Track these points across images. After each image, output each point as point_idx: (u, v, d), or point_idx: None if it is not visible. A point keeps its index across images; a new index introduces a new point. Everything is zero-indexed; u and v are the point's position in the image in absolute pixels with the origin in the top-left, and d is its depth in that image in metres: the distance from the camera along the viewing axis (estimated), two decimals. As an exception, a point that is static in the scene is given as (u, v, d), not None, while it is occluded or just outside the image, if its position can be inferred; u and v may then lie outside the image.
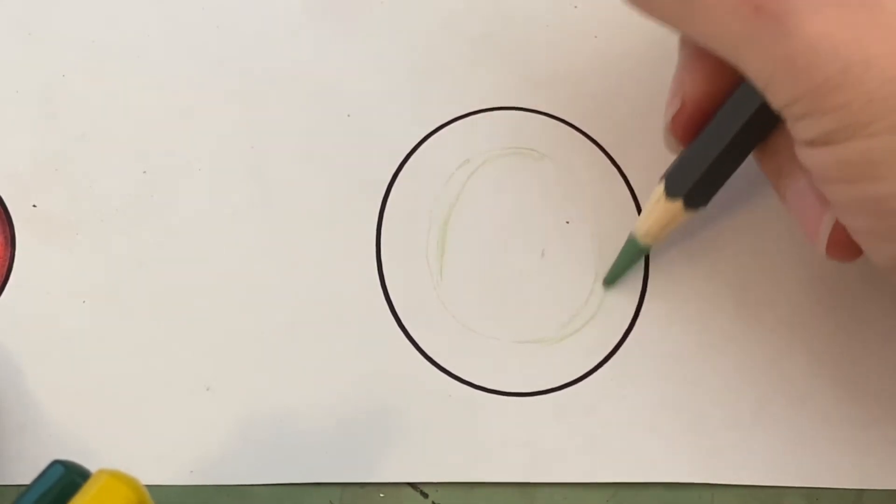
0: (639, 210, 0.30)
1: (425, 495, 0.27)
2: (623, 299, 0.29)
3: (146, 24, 0.32)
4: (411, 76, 0.32)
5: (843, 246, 0.23)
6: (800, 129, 0.21)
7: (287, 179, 0.30)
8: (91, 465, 0.26)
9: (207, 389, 0.28)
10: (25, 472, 0.26)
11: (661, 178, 0.27)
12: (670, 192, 0.26)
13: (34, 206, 0.29)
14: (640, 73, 0.32)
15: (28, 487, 0.19)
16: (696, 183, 0.26)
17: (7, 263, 0.29)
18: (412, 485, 0.27)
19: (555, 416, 0.28)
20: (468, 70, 0.32)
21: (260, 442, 0.27)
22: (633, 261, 0.29)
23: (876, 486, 0.27)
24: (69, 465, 0.20)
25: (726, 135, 0.25)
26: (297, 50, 0.32)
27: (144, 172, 0.30)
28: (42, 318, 0.28)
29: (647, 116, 0.31)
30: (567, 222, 0.30)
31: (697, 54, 0.25)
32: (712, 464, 0.27)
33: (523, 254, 0.29)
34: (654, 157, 0.31)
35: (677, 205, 0.26)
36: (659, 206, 0.27)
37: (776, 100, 0.21)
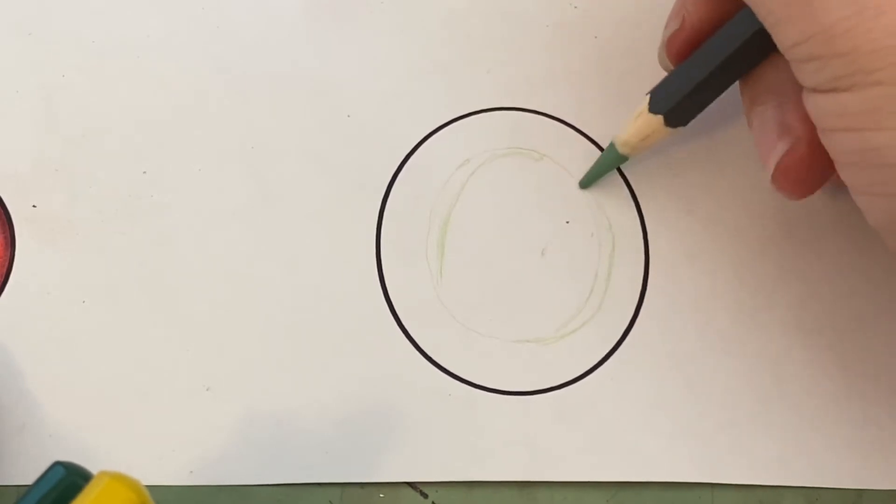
0: (638, 208, 0.30)
1: (425, 495, 0.27)
2: (623, 299, 0.29)
3: (146, 25, 0.32)
4: (411, 76, 0.32)
5: (789, 175, 0.24)
6: (806, 74, 0.21)
7: (287, 179, 0.30)
8: (91, 466, 0.26)
9: (207, 389, 0.28)
10: (25, 473, 0.26)
11: (648, 93, 0.28)
12: (654, 107, 0.27)
13: (34, 206, 0.29)
14: (640, 73, 0.32)
15: (29, 489, 0.19)
16: (678, 102, 0.27)
17: (7, 264, 0.29)
18: (412, 484, 0.27)
19: (555, 416, 0.28)
20: (468, 70, 0.32)
21: (260, 442, 0.27)
22: (611, 167, 0.30)
23: (876, 486, 0.27)
24: (70, 466, 0.20)
25: (714, 60, 0.26)
26: (298, 50, 0.32)
27: (144, 172, 0.30)
28: (42, 318, 0.28)
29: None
30: (567, 222, 0.30)
31: None
32: (712, 463, 0.27)
33: (523, 254, 0.29)
34: (654, 157, 0.31)
35: (658, 120, 0.27)
36: (641, 119, 0.27)
37: (785, 38, 0.21)
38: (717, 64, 0.25)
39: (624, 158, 0.29)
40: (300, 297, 0.29)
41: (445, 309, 0.29)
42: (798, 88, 0.23)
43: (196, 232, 0.29)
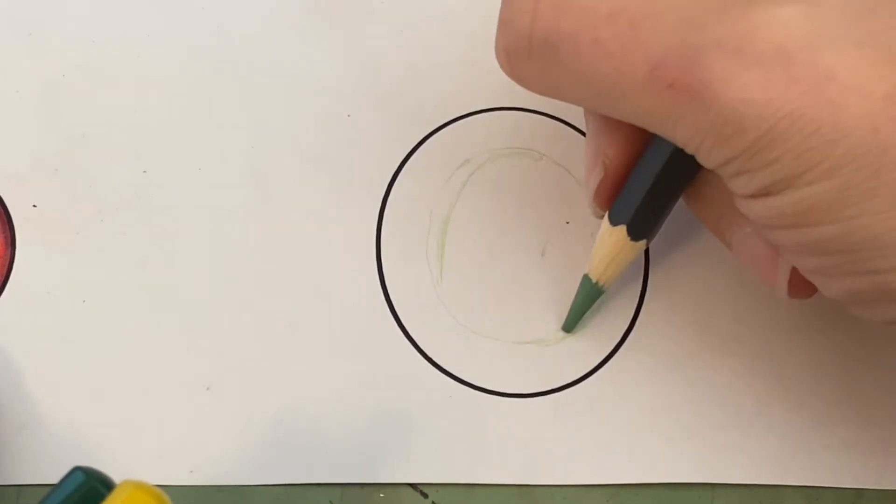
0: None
1: (425, 496, 0.27)
2: (623, 299, 0.29)
3: (146, 25, 0.32)
4: (411, 76, 0.32)
5: (805, 285, 0.23)
6: (736, 186, 0.21)
7: (287, 179, 0.30)
8: (91, 465, 0.26)
9: (207, 389, 0.28)
10: (25, 472, 0.26)
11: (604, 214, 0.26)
12: (613, 220, 0.26)
13: (34, 206, 0.29)
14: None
15: (48, 494, 0.19)
16: (637, 209, 0.25)
17: (7, 263, 0.29)
18: (412, 485, 0.27)
19: (555, 417, 0.28)
20: (468, 70, 0.32)
21: (260, 442, 0.27)
22: (588, 302, 0.28)
23: (876, 485, 0.27)
24: (89, 471, 0.19)
25: (663, 158, 0.24)
26: (298, 50, 0.32)
27: (144, 172, 0.30)
28: (42, 318, 0.28)
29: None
30: (567, 222, 0.30)
31: (612, 120, 0.25)
32: (712, 463, 0.27)
33: (523, 254, 0.29)
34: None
35: (622, 233, 0.26)
36: (605, 238, 0.26)
37: (708, 163, 0.21)
38: (665, 162, 0.24)
39: (599, 291, 0.27)
40: (300, 297, 0.29)
41: (445, 309, 0.29)
42: None
43: (196, 232, 0.29)
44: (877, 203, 0.19)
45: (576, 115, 0.31)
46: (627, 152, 0.25)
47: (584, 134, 0.31)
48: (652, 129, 0.22)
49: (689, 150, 0.22)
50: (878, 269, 0.20)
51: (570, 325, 0.28)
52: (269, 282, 0.29)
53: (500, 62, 0.24)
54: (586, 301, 0.28)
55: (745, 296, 0.29)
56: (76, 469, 0.19)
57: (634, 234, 0.26)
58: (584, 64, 0.22)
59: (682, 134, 0.21)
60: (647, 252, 0.30)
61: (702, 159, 0.22)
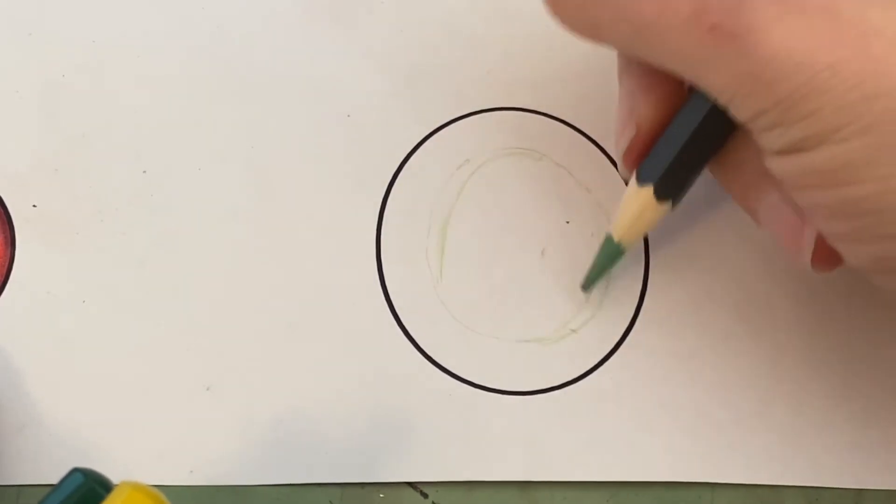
0: (639, 210, 0.30)
1: (425, 495, 0.27)
2: (623, 299, 0.29)
3: (146, 25, 0.32)
4: (411, 76, 0.32)
5: (829, 255, 0.23)
6: (768, 140, 0.21)
7: (287, 179, 0.30)
8: (91, 466, 0.26)
9: (207, 389, 0.28)
10: (25, 473, 0.26)
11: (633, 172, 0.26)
12: (641, 178, 0.26)
13: (34, 206, 0.29)
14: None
15: (47, 495, 0.19)
16: (667, 169, 0.25)
17: (7, 263, 0.29)
18: (412, 484, 0.27)
19: (555, 416, 0.28)
20: (468, 70, 0.32)
21: (260, 442, 0.27)
22: (610, 262, 0.28)
23: (876, 485, 0.27)
24: (88, 472, 0.19)
25: (696, 119, 0.24)
26: (298, 50, 0.32)
27: (144, 172, 0.30)
28: (42, 318, 0.28)
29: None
30: (567, 222, 0.30)
31: (647, 79, 0.25)
32: (712, 463, 0.27)
33: (523, 254, 0.29)
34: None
35: (648, 194, 0.25)
36: (631, 197, 0.26)
37: (741, 114, 0.21)
38: (700, 121, 0.24)
39: (620, 252, 0.27)
40: (300, 297, 0.29)
41: (445, 309, 0.29)
42: None
43: (196, 232, 0.29)
44: None
45: (576, 115, 0.31)
46: (661, 112, 0.25)
47: (584, 134, 0.31)
48: (689, 75, 0.22)
49: (723, 99, 0.21)
50: None
51: (588, 283, 0.29)
52: (268, 282, 0.29)
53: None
54: (607, 261, 0.28)
55: (745, 295, 0.29)
56: (75, 470, 0.19)
57: (662, 194, 0.25)
58: (627, 0, 0.21)
59: (718, 81, 0.21)
60: (647, 252, 0.30)
61: (735, 110, 0.21)
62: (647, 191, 0.25)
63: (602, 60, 0.32)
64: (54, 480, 0.26)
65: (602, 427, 0.27)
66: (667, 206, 0.26)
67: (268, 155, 0.30)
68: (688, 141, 0.24)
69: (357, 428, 0.27)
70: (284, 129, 0.31)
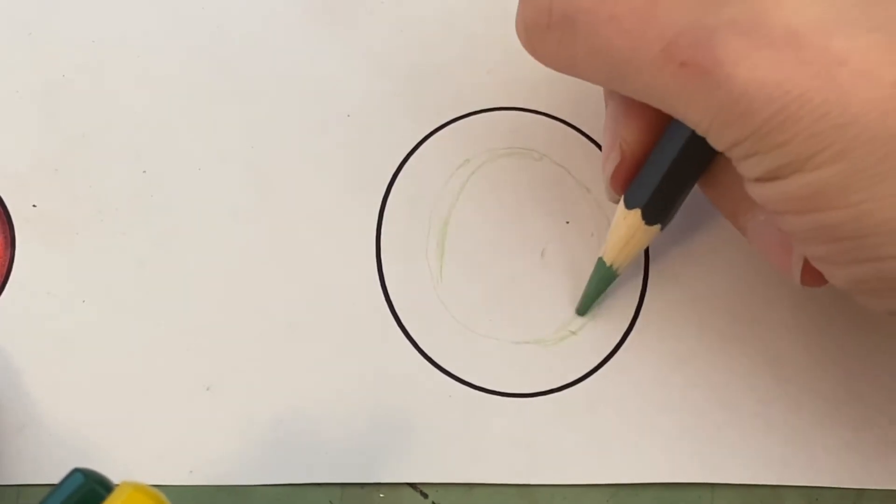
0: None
1: (425, 495, 0.27)
2: (623, 301, 0.29)
3: (146, 25, 0.32)
4: (411, 76, 0.32)
5: (818, 273, 0.23)
6: (746, 168, 0.21)
7: (287, 179, 0.30)
8: (91, 466, 0.26)
9: (207, 389, 0.28)
10: (25, 473, 0.26)
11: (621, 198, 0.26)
12: (629, 203, 0.26)
13: (34, 206, 0.29)
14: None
15: (47, 495, 0.19)
16: (652, 194, 0.25)
17: (7, 263, 0.29)
18: (412, 485, 0.27)
19: (555, 417, 0.28)
20: (468, 70, 0.32)
21: (260, 442, 0.27)
22: (604, 285, 0.28)
23: (876, 485, 0.27)
24: (89, 473, 0.19)
25: (679, 144, 0.24)
26: (298, 50, 0.32)
27: (144, 172, 0.30)
28: (42, 318, 0.28)
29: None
30: (567, 222, 0.30)
31: (630, 105, 0.25)
32: (712, 463, 0.27)
33: (523, 254, 0.29)
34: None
35: (636, 217, 0.26)
36: (620, 221, 0.26)
37: (718, 144, 0.22)
38: (681, 148, 0.24)
39: (613, 275, 0.27)
40: (300, 297, 0.29)
41: (445, 309, 0.29)
42: None
43: (196, 232, 0.29)
44: (884, 188, 0.19)
45: (576, 115, 0.31)
46: (645, 137, 0.25)
47: (584, 134, 0.31)
48: (665, 108, 0.22)
49: (700, 130, 0.22)
50: (884, 256, 0.20)
51: (583, 309, 0.29)
52: (269, 282, 0.29)
53: (519, 36, 0.25)
54: (599, 284, 0.28)
55: (745, 296, 0.29)
56: (75, 471, 0.19)
57: (649, 219, 0.26)
58: (600, 39, 0.22)
59: (693, 114, 0.21)
60: (647, 252, 0.30)
61: (712, 141, 0.22)
62: (636, 215, 0.26)
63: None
64: (54, 480, 0.26)
65: (602, 428, 0.27)
66: (655, 228, 0.26)
67: (268, 155, 0.30)
68: (672, 166, 0.25)
69: (357, 428, 0.27)
70: (284, 129, 0.31)
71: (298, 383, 0.28)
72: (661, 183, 0.25)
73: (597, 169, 0.30)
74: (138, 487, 0.19)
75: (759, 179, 0.21)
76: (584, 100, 0.31)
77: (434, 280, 0.29)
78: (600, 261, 0.27)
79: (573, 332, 0.29)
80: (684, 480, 0.27)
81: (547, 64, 0.25)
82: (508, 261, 0.29)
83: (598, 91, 0.31)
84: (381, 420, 0.27)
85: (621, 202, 0.26)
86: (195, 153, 0.30)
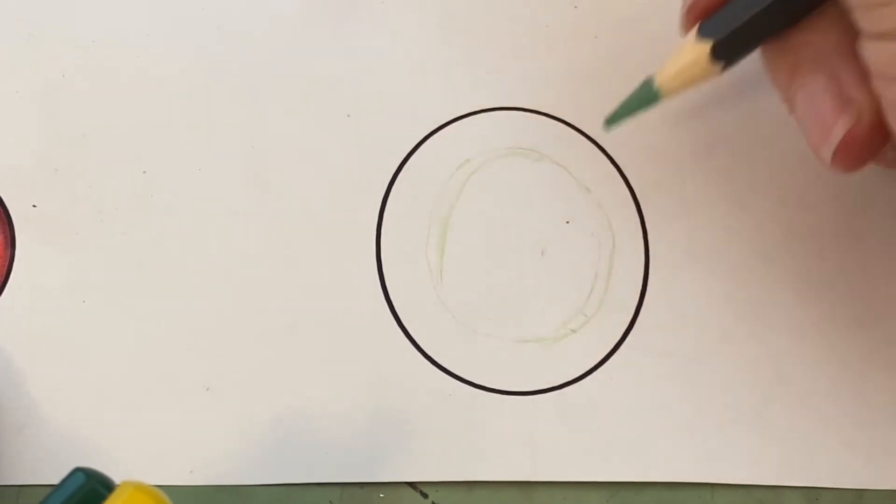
0: (638, 208, 0.30)
1: (425, 495, 0.27)
2: (623, 299, 0.29)
3: (146, 25, 0.32)
4: (411, 76, 0.32)
5: (852, 152, 0.22)
6: (872, 19, 0.20)
7: (287, 179, 0.30)
8: (91, 466, 0.26)
9: (207, 389, 0.28)
10: (25, 473, 0.26)
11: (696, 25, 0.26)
12: (703, 32, 0.25)
13: (34, 206, 0.29)
14: (639, 73, 0.32)
15: (48, 495, 0.19)
16: (733, 31, 0.24)
17: (7, 263, 0.29)
18: (412, 484, 0.27)
19: (555, 416, 0.28)
20: (468, 70, 0.32)
21: (260, 442, 0.27)
22: (640, 105, 0.27)
23: (876, 486, 0.27)
24: (90, 472, 0.19)
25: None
26: (298, 50, 0.32)
27: (144, 172, 0.30)
28: (42, 318, 0.28)
29: (646, 116, 0.31)
30: (567, 222, 0.30)
31: None
32: (712, 463, 0.27)
33: (523, 254, 0.29)
34: (654, 157, 0.31)
35: (705, 49, 0.25)
36: (687, 48, 0.25)
37: None
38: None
39: (655, 98, 0.26)
40: (300, 297, 0.29)
41: (445, 309, 0.29)
42: (850, 52, 0.21)
43: (196, 232, 0.29)
44: None
45: (576, 115, 0.31)
46: None
47: (584, 134, 0.31)
48: None
49: None
50: None
51: (614, 119, 0.27)
52: (268, 282, 0.29)
53: None
54: (639, 102, 0.27)
55: (745, 296, 0.29)
56: (77, 470, 0.19)
57: (719, 54, 0.25)
58: None
59: None
60: (647, 252, 0.30)
61: None
62: (705, 46, 0.25)
63: (602, 61, 0.32)
64: (54, 480, 0.26)
65: (602, 427, 0.27)
66: (719, 66, 0.25)
67: (268, 155, 0.30)
68: (762, 10, 0.24)
69: (357, 428, 0.27)
70: (284, 129, 0.31)
71: (298, 383, 0.28)
72: (746, 23, 0.24)
73: (598, 169, 0.30)
74: (139, 487, 0.19)
75: (883, 36, 0.19)
76: (584, 100, 0.31)
77: (434, 280, 0.29)
78: (648, 80, 0.26)
79: (573, 331, 0.29)
80: (684, 480, 0.27)
81: None
82: (508, 261, 0.29)
83: (598, 91, 0.32)
84: (380, 419, 0.27)
85: (694, 30, 0.25)
86: (195, 153, 0.30)
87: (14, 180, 0.30)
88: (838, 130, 0.22)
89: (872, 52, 0.21)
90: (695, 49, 0.25)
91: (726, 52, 0.25)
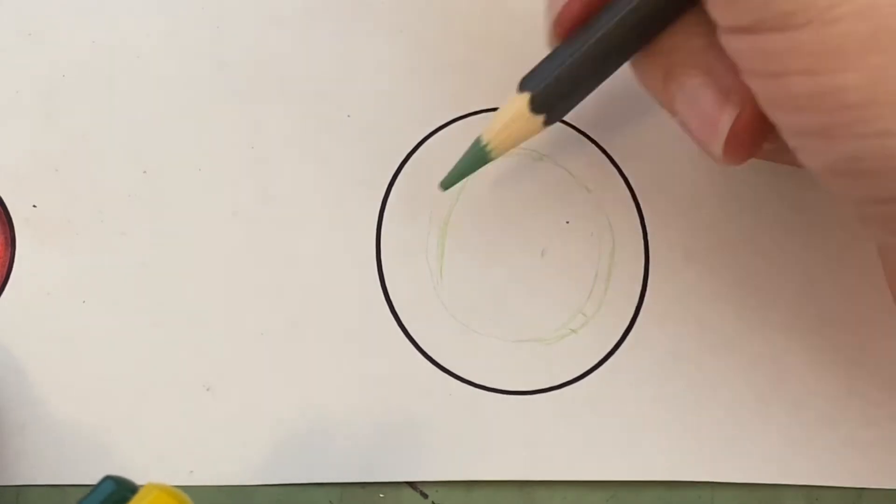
0: (638, 208, 0.30)
1: (425, 495, 0.27)
2: (623, 299, 0.29)
3: (146, 24, 0.32)
4: (411, 76, 0.32)
5: (741, 144, 0.22)
6: (743, 10, 0.19)
7: (287, 179, 0.30)
8: (91, 466, 0.26)
9: (207, 389, 0.28)
10: (25, 472, 0.26)
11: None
12: (524, 84, 0.25)
13: (34, 206, 0.29)
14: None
15: (80, 502, 0.19)
16: (553, 80, 0.24)
17: (7, 263, 0.29)
18: (412, 484, 0.27)
19: (555, 415, 0.28)
20: (468, 70, 0.32)
21: (260, 442, 0.27)
22: (472, 166, 0.27)
23: (876, 485, 0.27)
24: (120, 480, 0.20)
25: (591, 39, 0.23)
26: (298, 50, 0.32)
27: (144, 172, 0.30)
28: (42, 318, 0.28)
29: (646, 116, 0.31)
30: (567, 222, 0.30)
31: None
32: (712, 462, 0.27)
33: (523, 254, 0.29)
34: (654, 157, 0.31)
35: (523, 101, 0.24)
36: (509, 101, 0.25)
37: None
38: (592, 44, 0.23)
39: (486, 156, 0.26)
40: (300, 296, 0.29)
41: (445, 309, 0.29)
42: (720, 47, 0.21)
43: (196, 232, 0.29)
44: None
45: (576, 115, 0.31)
46: None
47: (584, 134, 0.31)
48: None
49: None
50: (884, 131, 0.18)
51: (447, 184, 0.27)
52: (269, 282, 0.29)
53: None
54: (471, 163, 0.27)
55: (745, 296, 0.29)
56: (107, 478, 0.20)
57: (537, 108, 0.25)
58: None
59: None
60: (647, 252, 0.30)
61: None
62: (524, 98, 0.25)
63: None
64: (54, 480, 0.26)
65: (602, 427, 0.27)
66: (540, 119, 0.25)
67: (268, 155, 0.30)
68: (575, 61, 0.24)
69: (357, 428, 0.27)
70: (284, 129, 0.31)
71: (298, 383, 0.28)
72: (560, 74, 0.24)
73: (598, 169, 0.30)
74: (164, 489, 0.19)
75: (755, 29, 0.19)
76: (584, 100, 0.31)
77: (434, 280, 0.29)
78: (478, 138, 0.26)
79: (573, 331, 0.29)
80: (684, 479, 0.27)
81: None
82: (508, 261, 0.29)
83: (597, 91, 0.31)
84: (380, 419, 0.27)
85: (516, 87, 0.25)
86: (195, 153, 0.30)
87: (14, 180, 0.30)
88: (724, 123, 0.22)
89: (731, 46, 0.20)
90: (515, 102, 0.25)
91: (546, 106, 0.25)
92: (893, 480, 0.27)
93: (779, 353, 0.29)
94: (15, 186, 0.30)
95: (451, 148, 0.31)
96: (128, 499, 0.19)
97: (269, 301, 0.29)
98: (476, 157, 0.26)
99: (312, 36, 0.32)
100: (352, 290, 0.29)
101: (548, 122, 0.25)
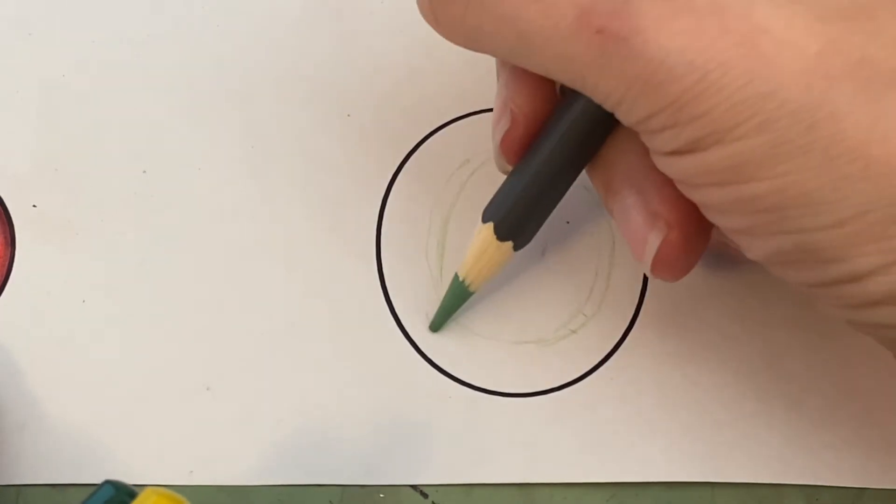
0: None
1: (425, 495, 0.27)
2: (623, 299, 0.29)
3: (146, 24, 0.32)
4: (411, 76, 0.32)
5: (668, 265, 0.23)
6: (661, 142, 0.21)
7: (287, 179, 0.30)
8: (91, 466, 0.26)
9: (207, 389, 0.28)
10: (25, 472, 0.26)
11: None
12: (485, 216, 0.26)
13: (34, 206, 0.29)
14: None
15: None
16: (508, 210, 0.25)
17: (7, 263, 0.29)
18: (412, 486, 0.27)
19: (554, 417, 0.28)
20: (468, 70, 0.32)
21: (260, 442, 0.27)
22: (457, 302, 0.28)
23: (877, 484, 0.27)
24: (119, 485, 0.20)
25: (544, 154, 0.24)
26: (298, 50, 0.32)
27: (144, 172, 0.30)
28: (42, 318, 0.28)
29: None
30: (567, 222, 0.30)
31: (523, 70, 0.24)
32: (712, 462, 0.27)
33: (523, 254, 0.29)
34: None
35: (489, 231, 0.25)
36: (476, 234, 0.26)
37: (630, 117, 0.21)
38: (546, 157, 0.24)
39: (467, 291, 0.27)
40: (300, 296, 0.29)
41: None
42: (652, 166, 0.22)
43: (196, 231, 0.29)
44: (809, 159, 0.19)
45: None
46: (536, 102, 0.24)
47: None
48: (573, 80, 0.21)
49: (610, 103, 0.21)
50: (807, 228, 0.20)
51: (435, 325, 0.28)
52: (268, 282, 0.29)
53: (421, 7, 0.24)
54: (452, 301, 0.28)
55: (745, 296, 0.29)
56: (106, 483, 0.20)
57: (503, 235, 0.25)
58: (509, 5, 0.21)
59: (605, 85, 0.20)
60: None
61: (623, 114, 0.21)
62: (489, 228, 0.25)
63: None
64: (54, 480, 0.26)
65: (602, 427, 0.27)
66: (509, 245, 0.26)
67: (268, 155, 0.30)
68: (528, 186, 0.24)
69: (356, 429, 0.27)
70: (284, 128, 0.31)
71: (298, 383, 0.28)
72: (517, 201, 0.25)
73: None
74: (163, 493, 0.19)
75: (675, 153, 0.20)
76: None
77: (434, 280, 0.29)
78: (455, 275, 0.27)
79: (573, 332, 0.29)
80: (684, 480, 0.27)
81: (448, 35, 0.23)
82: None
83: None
84: (380, 421, 0.27)
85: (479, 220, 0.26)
86: (195, 153, 0.30)
87: (14, 180, 0.30)
88: (651, 244, 0.23)
89: (668, 167, 0.22)
90: (481, 234, 0.26)
91: (511, 232, 0.25)
92: (893, 480, 0.27)
93: (779, 352, 0.28)
94: (15, 186, 0.30)
95: (450, 148, 0.31)
96: (127, 503, 0.19)
97: (269, 301, 0.29)
98: (457, 294, 0.27)
99: (312, 36, 0.32)
100: (352, 291, 0.29)
101: (517, 247, 0.26)
